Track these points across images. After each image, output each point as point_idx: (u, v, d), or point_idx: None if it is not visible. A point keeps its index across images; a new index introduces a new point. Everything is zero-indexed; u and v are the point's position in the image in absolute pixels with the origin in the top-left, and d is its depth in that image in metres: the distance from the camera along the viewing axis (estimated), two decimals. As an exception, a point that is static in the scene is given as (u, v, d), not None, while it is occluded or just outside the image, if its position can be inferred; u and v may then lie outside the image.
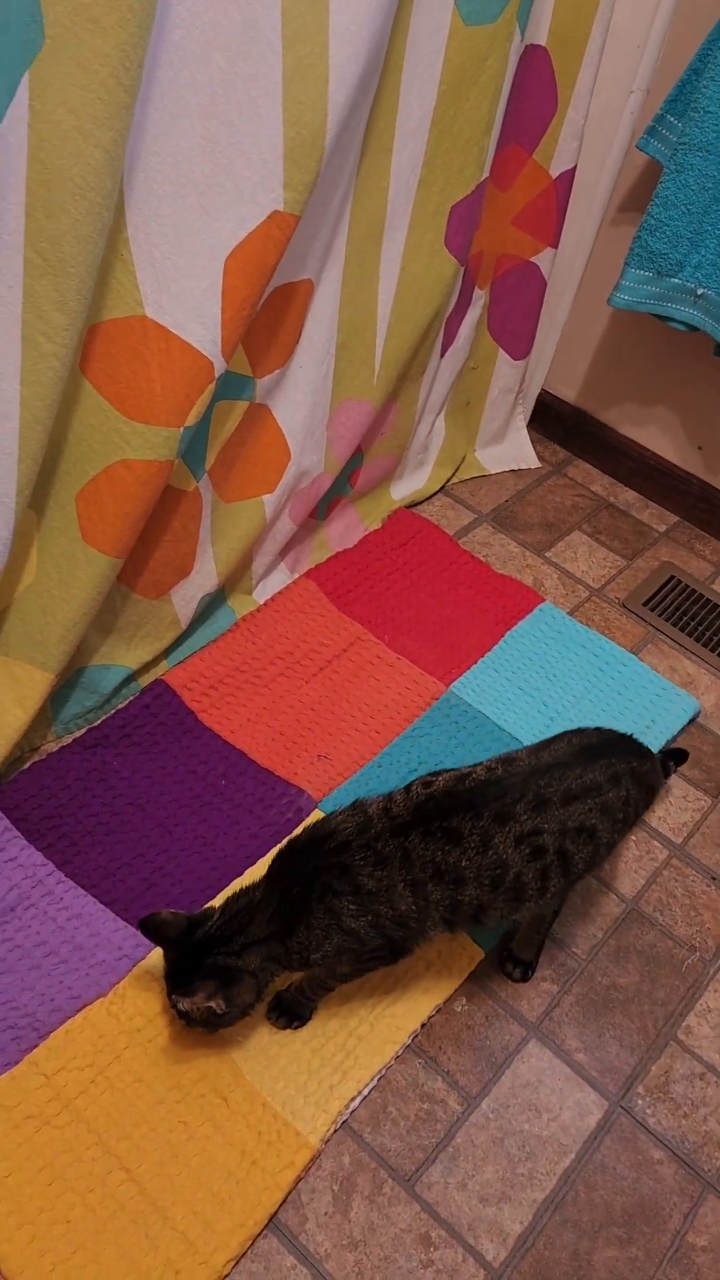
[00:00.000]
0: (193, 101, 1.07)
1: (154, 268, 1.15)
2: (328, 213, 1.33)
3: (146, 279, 1.15)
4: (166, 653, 1.56)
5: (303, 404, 1.50)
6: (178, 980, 1.06)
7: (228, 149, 1.12)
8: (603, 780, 1.11)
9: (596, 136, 1.69)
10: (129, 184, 1.08)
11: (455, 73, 1.35)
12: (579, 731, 1.17)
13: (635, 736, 1.21)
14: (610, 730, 1.19)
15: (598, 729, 1.19)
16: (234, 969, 1.05)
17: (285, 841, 1.11)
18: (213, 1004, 1.03)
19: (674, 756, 1.39)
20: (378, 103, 1.30)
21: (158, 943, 1.10)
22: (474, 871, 1.04)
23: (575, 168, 1.68)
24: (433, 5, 1.27)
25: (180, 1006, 1.07)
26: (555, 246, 1.77)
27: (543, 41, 1.52)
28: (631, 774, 1.15)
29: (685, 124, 1.51)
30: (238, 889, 1.11)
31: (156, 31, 1.00)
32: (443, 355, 1.77)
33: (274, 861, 1.09)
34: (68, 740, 1.45)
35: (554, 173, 1.67)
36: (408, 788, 1.10)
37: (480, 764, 1.12)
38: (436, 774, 1.12)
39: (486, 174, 1.53)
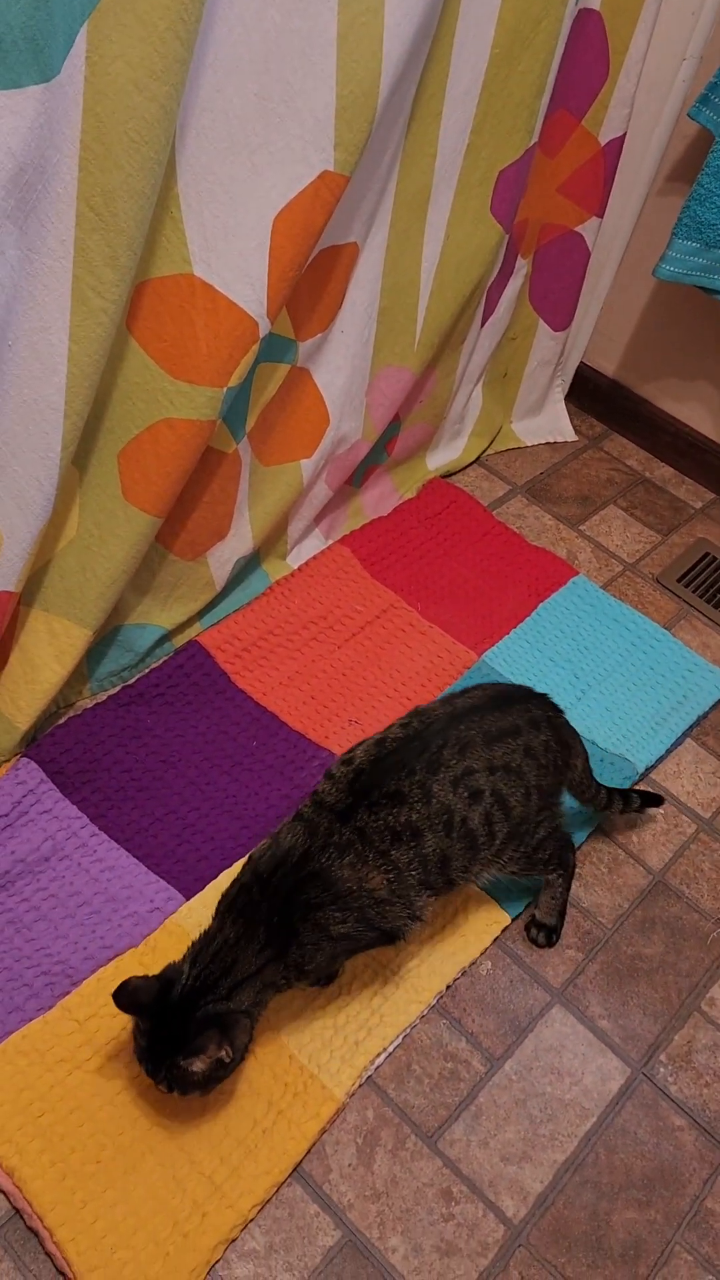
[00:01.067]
0: (247, 58, 1.07)
1: (202, 226, 1.15)
2: (375, 176, 1.32)
3: (195, 237, 1.15)
4: (201, 614, 1.58)
5: (343, 369, 1.50)
6: (165, 1048, 1.00)
7: (280, 106, 1.12)
8: (521, 724, 1.15)
9: (647, 104, 1.67)
10: (181, 140, 1.08)
11: (508, 35, 1.34)
12: (491, 684, 1.22)
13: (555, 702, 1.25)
14: (522, 685, 1.23)
15: (508, 684, 1.23)
16: (229, 1013, 1.01)
17: (236, 884, 1.08)
18: (222, 1054, 1.00)
19: (648, 799, 1.41)
20: (429, 65, 1.29)
21: (132, 1013, 1.03)
22: (426, 822, 1.06)
23: (625, 135, 1.66)
24: (488, -36, 1.25)
25: (192, 1069, 1.00)
26: (601, 216, 1.75)
27: (596, 6, 1.50)
28: (549, 722, 1.19)
29: (739, 92, 1.48)
30: (197, 938, 1.07)
31: (213, -15, 0.99)
32: (483, 324, 1.76)
33: (235, 901, 1.06)
34: (103, 697, 1.47)
35: (603, 140, 1.65)
36: (329, 774, 1.10)
37: (394, 724, 1.14)
38: (353, 749, 1.12)
39: (535, 139, 1.51)
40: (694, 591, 1.80)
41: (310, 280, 1.35)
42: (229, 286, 1.19)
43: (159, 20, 0.94)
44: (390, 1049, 1.21)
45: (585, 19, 1.51)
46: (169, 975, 1.04)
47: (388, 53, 1.14)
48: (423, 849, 1.07)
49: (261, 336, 1.24)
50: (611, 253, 1.86)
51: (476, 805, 1.09)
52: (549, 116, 1.58)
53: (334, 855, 1.04)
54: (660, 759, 1.55)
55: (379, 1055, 1.19)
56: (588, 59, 1.56)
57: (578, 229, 1.76)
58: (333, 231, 1.31)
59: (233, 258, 1.18)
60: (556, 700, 1.56)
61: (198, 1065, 1.00)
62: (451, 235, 1.50)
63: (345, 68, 1.12)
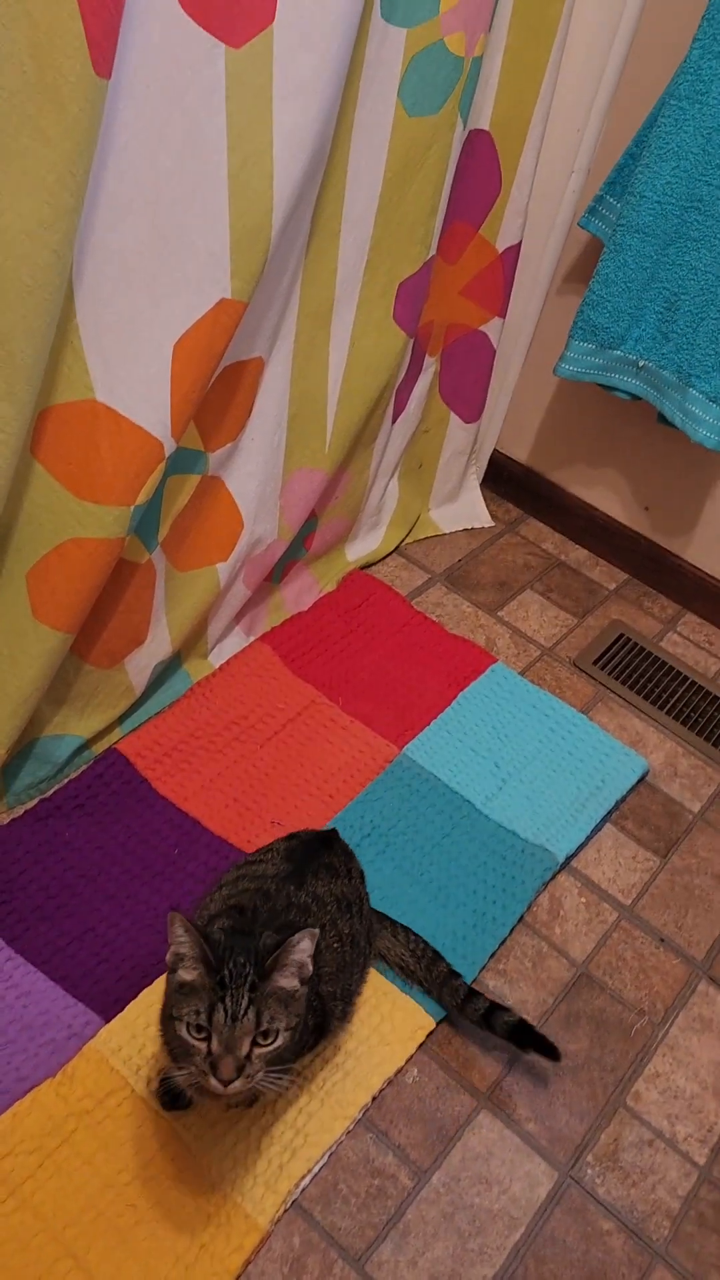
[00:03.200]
0: (140, 200, 1.11)
1: (103, 354, 1.17)
2: (276, 295, 1.37)
3: (96, 364, 1.18)
4: (120, 720, 1.57)
5: (255, 475, 1.53)
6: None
7: (175, 242, 1.15)
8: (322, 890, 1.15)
9: (540, 214, 1.75)
10: (78, 277, 1.11)
11: (400, 161, 1.40)
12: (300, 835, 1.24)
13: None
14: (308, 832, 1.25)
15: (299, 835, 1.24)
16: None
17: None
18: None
19: (544, 1048, 1.25)
20: (324, 192, 1.34)
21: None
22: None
23: (520, 243, 1.74)
24: (377, 100, 1.32)
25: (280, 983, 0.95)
26: (503, 316, 1.82)
27: (486, 126, 1.57)
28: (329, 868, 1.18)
29: (623, 205, 1.56)
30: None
31: (104, 136, 1.03)
32: (394, 422, 1.81)
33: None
34: (19, 812, 1.45)
35: (500, 247, 1.73)
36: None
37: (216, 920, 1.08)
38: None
39: (433, 252, 1.57)
40: (609, 674, 1.85)
41: (216, 395, 1.38)
42: (132, 410, 1.21)
43: (47, 174, 0.97)
44: (316, 1169, 1.19)
45: (476, 138, 1.58)
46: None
47: (279, 189, 1.18)
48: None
49: (168, 455, 1.27)
50: (516, 349, 1.93)
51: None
52: (448, 226, 1.64)
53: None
54: (580, 846, 1.57)
55: (304, 1177, 1.18)
56: (481, 174, 1.64)
57: (481, 328, 1.83)
58: (236, 347, 1.35)
59: (134, 383, 1.20)
60: (478, 790, 1.60)
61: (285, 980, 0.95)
62: (356, 344, 1.55)
63: (238, 205, 1.16)
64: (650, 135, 1.50)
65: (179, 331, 1.20)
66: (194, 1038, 0.93)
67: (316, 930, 0.95)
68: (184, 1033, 0.94)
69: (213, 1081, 0.92)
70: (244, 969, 0.94)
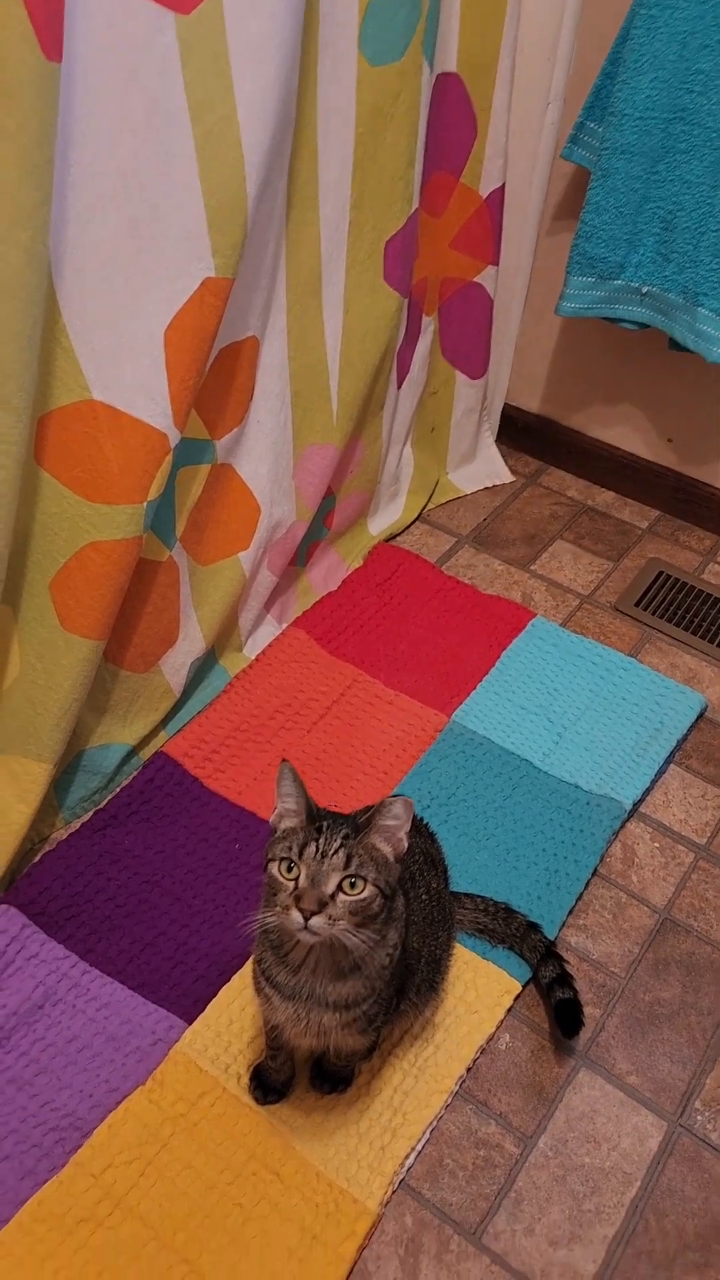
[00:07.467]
0: (108, 186, 1.08)
1: (94, 352, 1.15)
2: (261, 270, 1.33)
3: (88, 364, 1.15)
4: (164, 723, 1.56)
5: (265, 457, 1.50)
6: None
7: (151, 226, 1.12)
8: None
9: (521, 152, 1.69)
10: (58, 274, 1.09)
11: (370, 113, 1.36)
12: None
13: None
14: None
15: None
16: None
17: None
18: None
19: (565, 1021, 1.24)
20: (297, 156, 1.30)
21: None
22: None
23: (504, 185, 1.69)
24: (337, 54, 1.28)
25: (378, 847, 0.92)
26: (496, 264, 1.77)
27: (453, 68, 1.53)
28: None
29: (605, 128, 1.51)
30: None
31: (62, 123, 1.00)
32: (399, 387, 1.77)
33: None
34: (76, 825, 1.44)
35: (484, 193, 1.68)
36: None
37: None
38: None
39: (416, 205, 1.53)
40: (653, 614, 1.80)
41: (216, 379, 1.35)
42: (131, 405, 1.19)
43: (9, 171, 0.95)
44: (419, 1147, 1.16)
45: (445, 82, 1.53)
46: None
47: (249, 157, 1.15)
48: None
49: (173, 446, 1.24)
50: (514, 296, 1.88)
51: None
52: (428, 179, 1.60)
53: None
54: (647, 792, 1.52)
55: (408, 1156, 1.15)
56: (454, 119, 1.59)
57: (476, 279, 1.78)
58: (229, 328, 1.32)
59: (129, 377, 1.18)
60: (535, 748, 1.56)
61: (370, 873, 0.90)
62: (350, 309, 1.51)
63: (209, 178, 1.13)
64: (624, 50, 1.45)
65: (167, 317, 1.17)
66: (284, 875, 0.91)
67: (411, 800, 0.93)
68: (275, 870, 0.92)
69: (294, 915, 0.89)
70: (340, 823, 0.93)
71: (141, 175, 1.09)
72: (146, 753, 1.53)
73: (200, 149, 1.12)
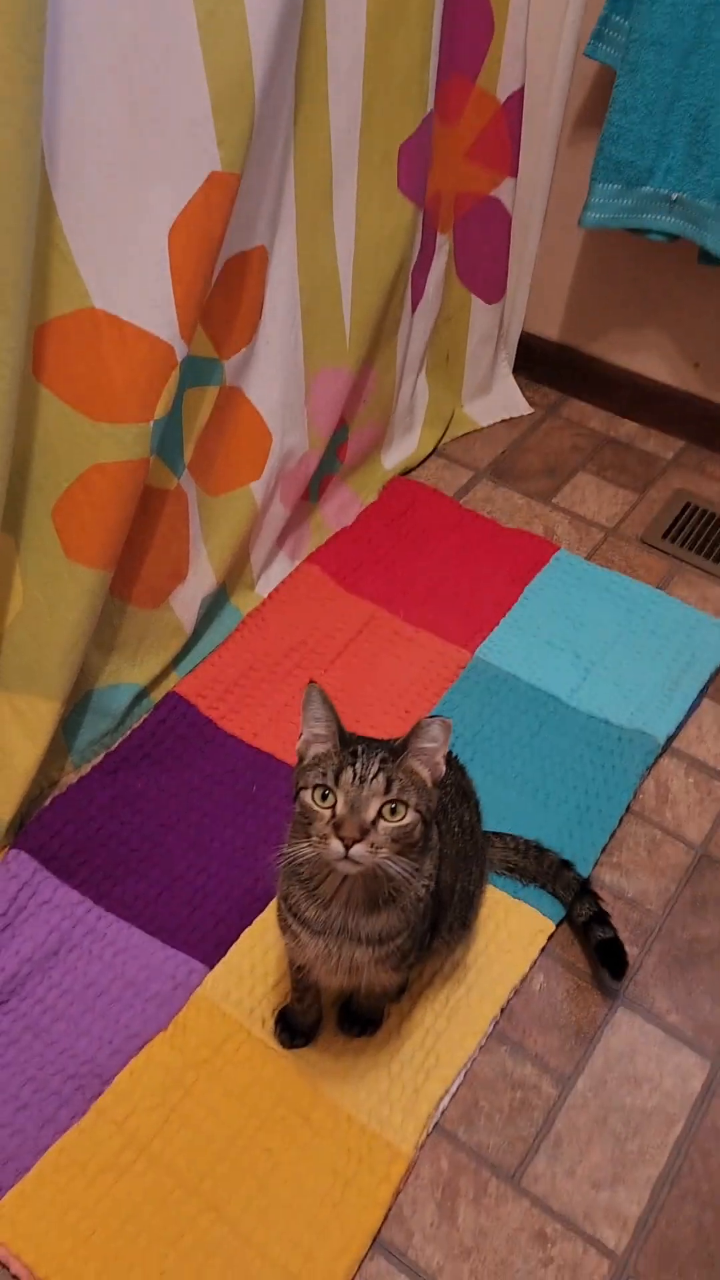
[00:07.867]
0: (107, 67, 0.99)
1: (94, 255, 1.07)
2: (269, 172, 1.25)
3: (88, 268, 1.08)
4: (175, 662, 1.49)
5: (276, 380, 1.42)
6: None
7: (152, 111, 1.04)
8: None
9: (540, 51, 1.59)
10: (52, 167, 1.00)
11: (381, 7, 1.27)
12: None
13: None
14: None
15: None
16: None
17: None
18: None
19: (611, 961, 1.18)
20: (304, 51, 1.21)
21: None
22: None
23: (523, 88, 1.59)
24: (346, -70, 1.18)
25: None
26: (514, 175, 1.68)
27: (469, -42, 1.43)
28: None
29: (632, 20, 1.41)
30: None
31: (54, -6, 0.92)
32: (414, 310, 1.68)
33: None
34: (87, 769, 1.38)
35: (501, 97, 1.58)
36: None
37: None
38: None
39: (430, 107, 1.44)
40: (682, 545, 1.72)
41: (222, 293, 1.27)
42: (134, 314, 1.11)
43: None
44: (453, 1089, 1.12)
45: (460, -25, 1.44)
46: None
47: (254, 36, 1.06)
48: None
49: (180, 360, 1.16)
50: (533, 212, 1.78)
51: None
52: (442, 83, 1.50)
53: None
54: (680, 726, 1.46)
55: (442, 1098, 1.11)
56: (471, 17, 1.49)
57: (493, 193, 1.69)
58: (235, 237, 1.24)
59: (133, 283, 1.10)
60: (562, 683, 1.49)
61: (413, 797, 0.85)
62: (363, 221, 1.43)
63: (212, 60, 1.04)
64: (652, -68, 1.35)
65: (172, 216, 1.09)
66: (319, 804, 0.84)
67: (450, 720, 0.86)
68: (308, 798, 0.85)
69: (334, 844, 0.82)
70: (375, 747, 0.86)
71: (142, 57, 1.01)
72: (158, 694, 1.47)
73: (202, 25, 1.03)
